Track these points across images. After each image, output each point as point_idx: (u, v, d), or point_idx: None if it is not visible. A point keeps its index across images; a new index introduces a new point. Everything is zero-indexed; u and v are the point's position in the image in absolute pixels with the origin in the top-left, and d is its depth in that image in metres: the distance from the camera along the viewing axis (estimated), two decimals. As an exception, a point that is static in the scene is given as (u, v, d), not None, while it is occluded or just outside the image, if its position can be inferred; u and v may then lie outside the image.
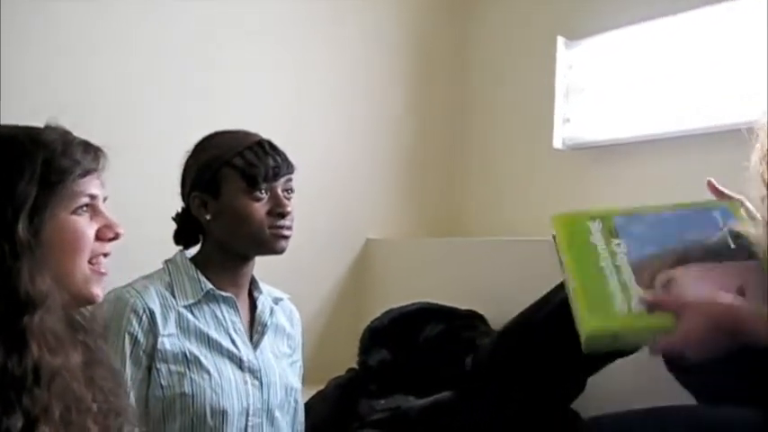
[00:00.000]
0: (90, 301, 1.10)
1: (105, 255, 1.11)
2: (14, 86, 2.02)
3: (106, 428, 1.07)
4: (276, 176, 1.58)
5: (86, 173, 1.08)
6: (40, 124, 1.13)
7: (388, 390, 1.82)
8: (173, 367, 1.49)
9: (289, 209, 1.59)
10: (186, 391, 1.48)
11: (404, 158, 2.89)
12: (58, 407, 0.96)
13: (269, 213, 1.57)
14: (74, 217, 1.06)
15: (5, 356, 0.94)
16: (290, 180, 1.62)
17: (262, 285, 1.70)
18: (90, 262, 1.09)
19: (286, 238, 1.60)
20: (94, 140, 1.14)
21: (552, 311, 1.54)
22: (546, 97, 2.53)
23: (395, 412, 1.71)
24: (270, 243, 1.58)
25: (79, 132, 1.13)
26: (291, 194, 1.62)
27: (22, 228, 0.99)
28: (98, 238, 1.09)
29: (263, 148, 1.58)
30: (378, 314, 2.08)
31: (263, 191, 1.56)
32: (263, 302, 1.67)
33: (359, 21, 2.77)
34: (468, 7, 2.99)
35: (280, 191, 1.59)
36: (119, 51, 2.26)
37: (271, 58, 2.57)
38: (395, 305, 2.10)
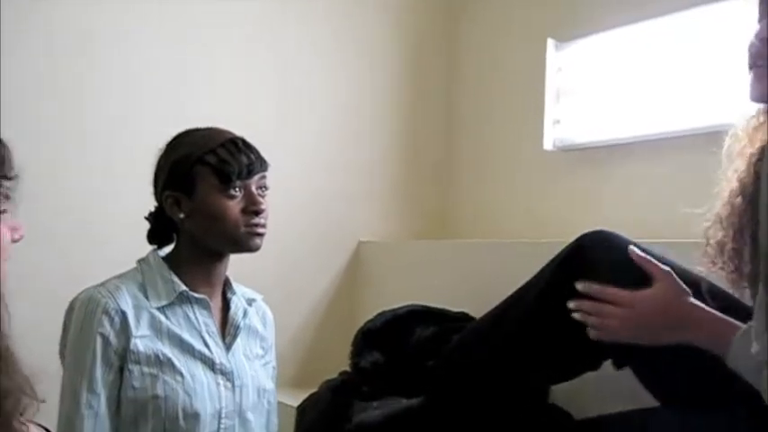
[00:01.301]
0: None
1: None
2: (14, 88, 2.05)
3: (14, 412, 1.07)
4: (250, 174, 1.57)
5: None
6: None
7: (380, 392, 1.82)
8: (145, 369, 1.48)
9: (263, 206, 1.57)
10: (159, 393, 1.47)
11: (395, 161, 2.90)
12: None
13: (243, 211, 1.55)
14: None
15: None
16: (263, 178, 1.61)
17: (235, 286, 1.70)
18: None
19: (260, 235, 1.58)
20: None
21: (523, 311, 1.54)
22: (536, 99, 2.54)
23: (359, 426, 1.70)
24: (244, 241, 1.57)
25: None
26: (265, 192, 1.61)
27: None
28: None
29: (237, 146, 1.57)
30: (370, 316, 2.08)
31: (236, 188, 1.55)
32: (237, 304, 1.67)
33: (350, 23, 2.78)
34: (458, 10, 3.00)
35: (254, 188, 1.58)
36: (109, 51, 2.27)
37: (263, 59, 2.58)
38: (387, 307, 2.10)
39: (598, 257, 1.45)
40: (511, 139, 2.77)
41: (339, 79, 2.76)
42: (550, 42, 2.52)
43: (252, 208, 1.56)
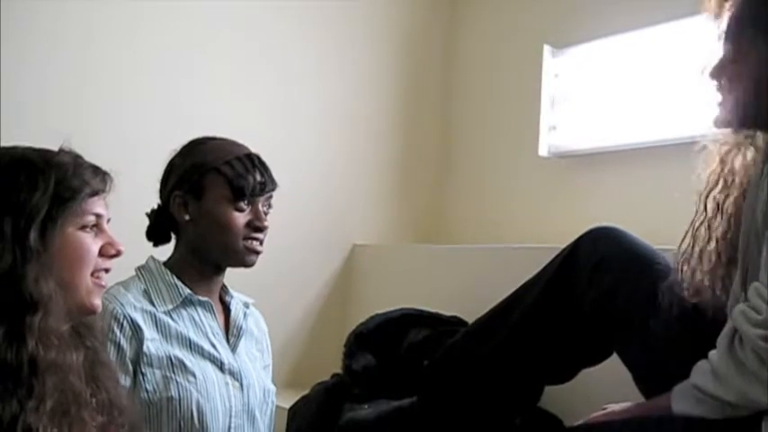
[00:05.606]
0: (91, 311, 1.19)
1: (107, 270, 1.21)
2: (14, 88, 2.05)
3: (109, 421, 1.17)
4: (262, 192, 1.62)
5: (94, 193, 1.18)
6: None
7: (372, 395, 1.82)
8: (158, 372, 1.50)
9: (266, 224, 1.63)
10: (173, 395, 1.49)
11: (391, 165, 2.90)
12: (51, 398, 1.04)
13: (247, 225, 1.60)
14: (80, 233, 1.16)
15: (5, 349, 1.02)
16: (270, 197, 1.66)
17: (230, 290, 1.72)
18: (92, 275, 1.18)
19: (257, 252, 1.63)
20: (90, 153, 1.21)
21: (527, 308, 1.54)
22: (532, 105, 2.55)
23: (349, 422, 1.71)
24: (242, 255, 1.61)
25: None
26: (269, 210, 1.66)
27: (33, 237, 1.08)
28: (101, 254, 1.19)
29: (252, 162, 1.62)
30: (363, 319, 2.09)
31: (246, 203, 1.60)
32: (236, 306, 1.70)
33: (346, 29, 2.78)
34: (455, 16, 3.01)
35: (261, 206, 1.62)
36: (111, 59, 2.27)
37: (258, 65, 2.58)
38: (381, 311, 2.10)
39: (604, 251, 1.46)
40: (507, 145, 2.78)
41: (335, 83, 2.77)
42: (546, 49, 2.52)
43: (256, 224, 1.61)
